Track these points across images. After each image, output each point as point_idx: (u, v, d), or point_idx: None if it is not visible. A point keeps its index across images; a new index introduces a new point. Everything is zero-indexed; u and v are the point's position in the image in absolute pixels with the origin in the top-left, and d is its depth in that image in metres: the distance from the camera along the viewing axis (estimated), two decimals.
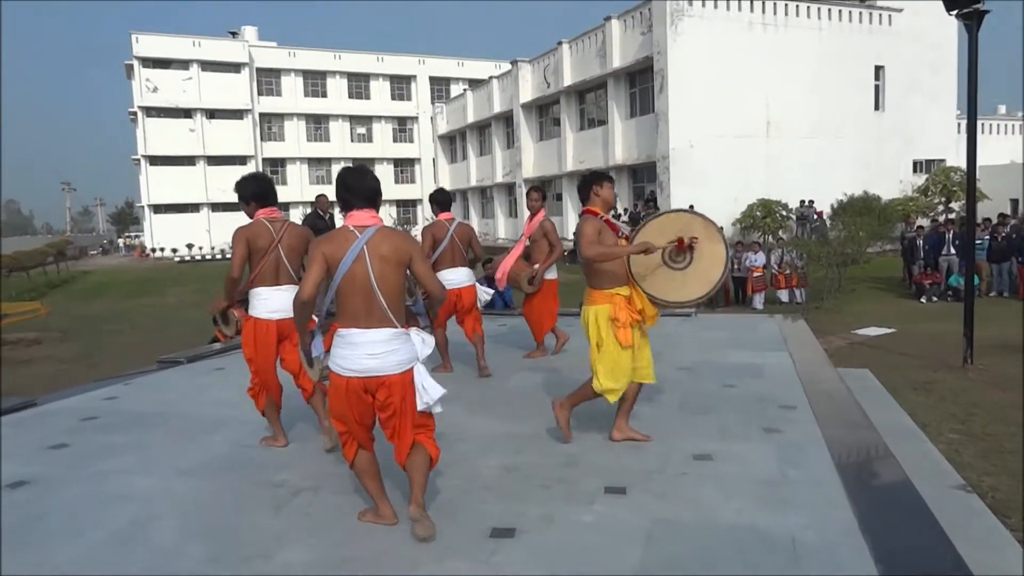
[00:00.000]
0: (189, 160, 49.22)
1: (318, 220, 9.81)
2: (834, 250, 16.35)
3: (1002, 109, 42.96)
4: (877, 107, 27.83)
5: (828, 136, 25.76)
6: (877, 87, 27.90)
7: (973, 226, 10.25)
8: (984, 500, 4.84)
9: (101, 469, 4.07)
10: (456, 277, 6.17)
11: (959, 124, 30.71)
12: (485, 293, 6.64)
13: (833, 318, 13.95)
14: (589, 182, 4.44)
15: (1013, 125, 39.29)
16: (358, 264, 2.98)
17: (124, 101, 52.23)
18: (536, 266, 6.84)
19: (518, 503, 3.39)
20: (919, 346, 11.01)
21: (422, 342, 3.12)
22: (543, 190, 7.14)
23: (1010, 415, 7.35)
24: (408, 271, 3.13)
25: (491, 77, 39.67)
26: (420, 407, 3.09)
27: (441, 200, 6.46)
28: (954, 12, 8.86)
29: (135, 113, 48.59)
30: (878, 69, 27.71)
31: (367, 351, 2.99)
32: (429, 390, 3.08)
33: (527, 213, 7.01)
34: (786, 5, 25.62)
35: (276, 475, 3.87)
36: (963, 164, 26.08)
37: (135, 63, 47.49)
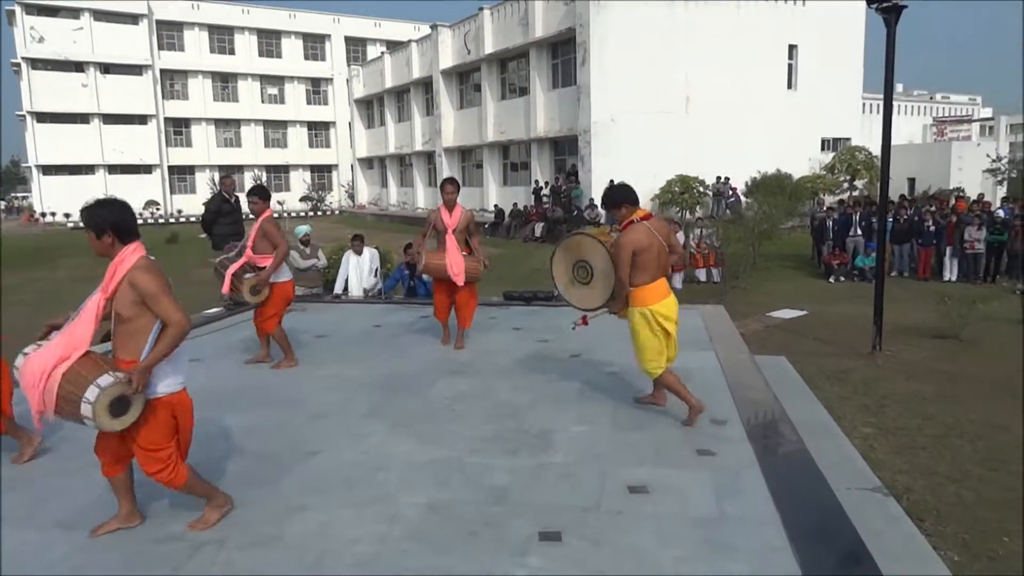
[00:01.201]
0: (82, 118, 45.85)
1: (224, 203, 9.13)
2: (749, 229, 16.66)
3: (899, 88, 45.02)
4: (790, 86, 28.54)
5: (744, 113, 26.23)
6: (790, 66, 28.58)
7: (885, 211, 10.53)
8: (900, 503, 4.92)
9: None
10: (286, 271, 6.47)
11: (864, 104, 31.96)
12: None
13: (749, 299, 14.25)
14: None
15: (909, 106, 41.33)
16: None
17: (6, 50, 47.99)
18: (466, 254, 6.94)
19: (445, 555, 3.13)
20: (830, 330, 11.36)
21: None
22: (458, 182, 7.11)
23: (917, 407, 7.63)
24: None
25: (410, 41, 38.45)
26: None
27: (265, 195, 6.56)
28: (874, 5, 8.94)
29: (18, 64, 44.68)
30: (791, 48, 28.37)
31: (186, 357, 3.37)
32: None
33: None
34: None
35: (172, 525, 3.46)
36: (867, 143, 27.33)
37: (17, 9, 43.52)
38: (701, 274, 16.33)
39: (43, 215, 44.57)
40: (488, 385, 5.68)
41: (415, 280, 9.86)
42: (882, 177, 9.94)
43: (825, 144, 29.90)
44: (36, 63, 44.37)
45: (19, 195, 65.69)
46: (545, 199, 26.44)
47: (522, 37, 27.90)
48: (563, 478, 3.93)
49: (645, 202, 24.99)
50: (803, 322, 12.26)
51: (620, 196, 4.76)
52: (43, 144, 44.90)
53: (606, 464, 4.09)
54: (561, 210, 24.68)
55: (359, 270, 10.33)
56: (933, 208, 16.98)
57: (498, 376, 5.97)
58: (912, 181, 28.21)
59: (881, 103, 10.08)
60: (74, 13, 44.88)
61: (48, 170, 45.40)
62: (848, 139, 29.65)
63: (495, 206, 29.30)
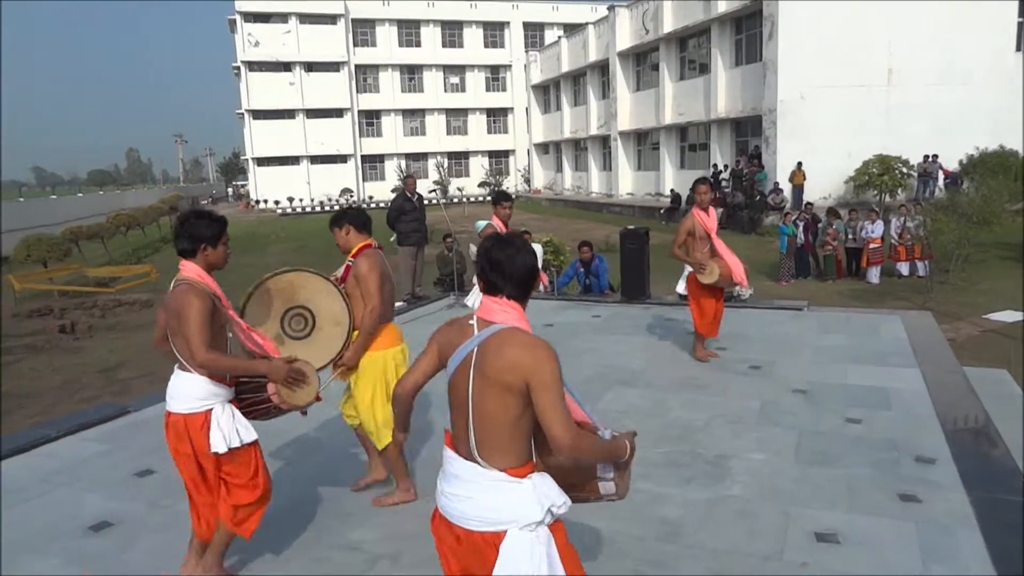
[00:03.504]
0: (289, 113, 50.33)
1: (406, 202, 9.56)
2: (965, 216, 14.66)
3: None
4: (1019, 48, 24.85)
5: (959, 83, 23.23)
6: (1020, 24, 24.87)
7: None
8: None
9: (181, 510, 3.94)
10: None
11: None
12: None
13: (961, 297, 12.67)
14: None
15: None
16: (461, 373, 2.18)
17: (229, 55, 53.57)
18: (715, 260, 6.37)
19: None
20: None
21: (535, 501, 2.07)
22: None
23: None
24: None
25: (587, 23, 38.17)
26: None
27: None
28: None
29: (238, 68, 49.92)
30: (1023, 4, 24.65)
31: (446, 485, 2.19)
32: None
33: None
34: None
35: (354, 532, 3.64)
36: None
37: (237, 18, 48.55)
38: (903, 267, 14.76)
39: (257, 202, 49.64)
40: (660, 399, 5.46)
41: (590, 278, 9.75)
42: None
43: None
44: (252, 65, 49.30)
45: (240, 183, 73.72)
46: (725, 183, 25.21)
47: (703, 13, 26.67)
48: (740, 516, 3.65)
49: (837, 185, 23.22)
50: None
51: (361, 219, 4.04)
52: (258, 138, 49.95)
53: (789, 503, 3.75)
54: (742, 195, 23.41)
55: None
56: None
57: (670, 389, 5.72)
58: None
59: None
60: (283, 18, 49.26)
61: (262, 162, 50.45)
62: None
63: (671, 190, 28.42)
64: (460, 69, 54.54)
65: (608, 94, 35.33)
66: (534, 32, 54.79)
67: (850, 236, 14.98)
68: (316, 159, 50.76)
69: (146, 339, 12.79)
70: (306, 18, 49.54)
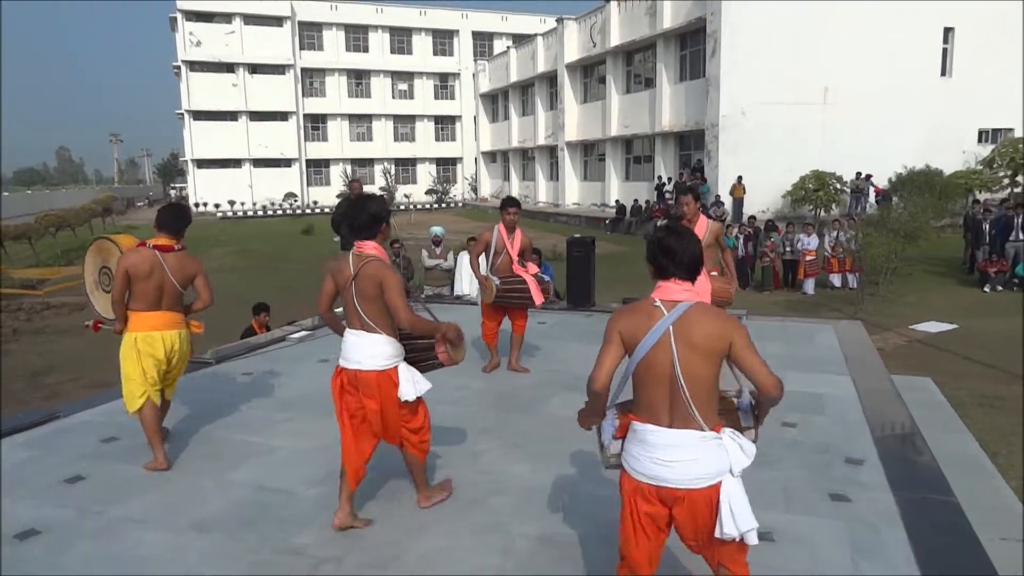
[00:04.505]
0: (231, 115, 49.27)
1: None
2: (893, 231, 15.35)
3: None
4: (944, 72, 26.21)
5: (889, 103, 24.35)
6: (945, 50, 26.23)
7: None
8: None
9: (114, 516, 3.85)
10: None
11: None
12: None
13: (889, 309, 13.25)
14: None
15: None
16: (660, 350, 2.44)
17: (169, 54, 52.23)
18: (715, 273, 6.19)
19: None
20: (985, 348, 10.33)
21: (740, 449, 2.46)
22: (695, 190, 6.48)
23: None
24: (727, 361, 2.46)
25: (536, 35, 38.59)
26: (725, 534, 2.44)
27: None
28: None
29: (179, 67, 48.64)
30: (947, 31, 26.03)
31: (661, 455, 2.46)
32: (737, 515, 2.42)
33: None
34: None
35: (296, 536, 3.59)
36: None
37: (179, 16, 47.35)
38: (835, 279, 15.36)
39: (196, 205, 48.37)
40: None
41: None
42: None
43: (983, 136, 27.25)
44: (194, 65, 48.10)
45: (177, 186, 71.58)
46: (668, 195, 25.78)
47: (649, 29, 27.28)
48: None
49: (775, 199, 23.99)
50: (952, 337, 11.23)
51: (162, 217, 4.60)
52: (198, 140, 48.71)
53: None
54: None
55: (470, 272, 10.39)
56: None
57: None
58: None
59: None
60: (227, 18, 48.25)
61: (202, 164, 49.21)
62: (1011, 130, 26.85)
63: (616, 201, 28.90)
64: (408, 76, 54.35)
65: (556, 105, 35.76)
66: (483, 41, 55.06)
67: (787, 248, 15.50)
68: (259, 162, 49.81)
69: (76, 344, 12.28)
70: (251, 19, 48.65)
